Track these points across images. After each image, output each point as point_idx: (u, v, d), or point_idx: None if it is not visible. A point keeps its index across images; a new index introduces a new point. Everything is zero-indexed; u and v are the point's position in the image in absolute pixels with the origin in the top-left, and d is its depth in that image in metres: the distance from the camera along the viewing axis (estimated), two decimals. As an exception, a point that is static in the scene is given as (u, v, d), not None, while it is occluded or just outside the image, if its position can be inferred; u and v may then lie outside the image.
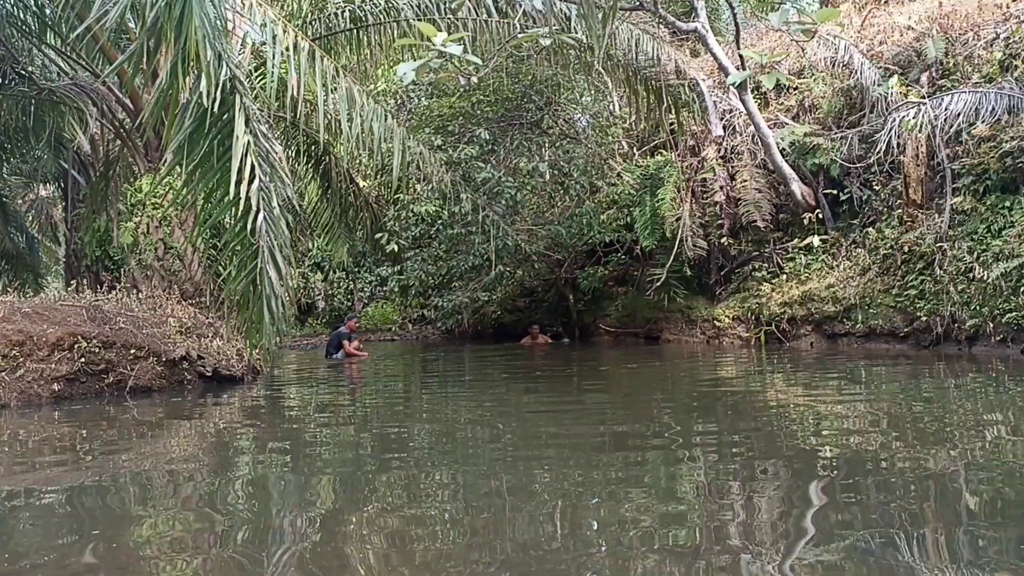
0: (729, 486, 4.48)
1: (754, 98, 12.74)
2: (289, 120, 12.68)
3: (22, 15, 11.80)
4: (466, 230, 14.92)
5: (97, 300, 9.62)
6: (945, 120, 10.59)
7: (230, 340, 10.06)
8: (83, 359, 8.33)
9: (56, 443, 6.25)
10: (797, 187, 12.88)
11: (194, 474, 5.14)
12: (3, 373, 7.93)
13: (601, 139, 15.64)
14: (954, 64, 11.68)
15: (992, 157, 10.50)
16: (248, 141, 6.54)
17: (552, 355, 13.93)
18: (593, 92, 15.33)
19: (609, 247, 16.27)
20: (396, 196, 15.72)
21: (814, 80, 13.46)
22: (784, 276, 13.24)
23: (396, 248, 14.45)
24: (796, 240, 13.21)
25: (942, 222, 10.97)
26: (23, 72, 12.56)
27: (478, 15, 10.52)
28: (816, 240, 12.62)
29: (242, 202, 6.48)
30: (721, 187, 13.70)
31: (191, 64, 6.31)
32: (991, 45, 11.38)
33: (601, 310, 16.79)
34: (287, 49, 7.51)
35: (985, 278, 10.28)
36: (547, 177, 15.31)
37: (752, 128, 12.88)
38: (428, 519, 3.98)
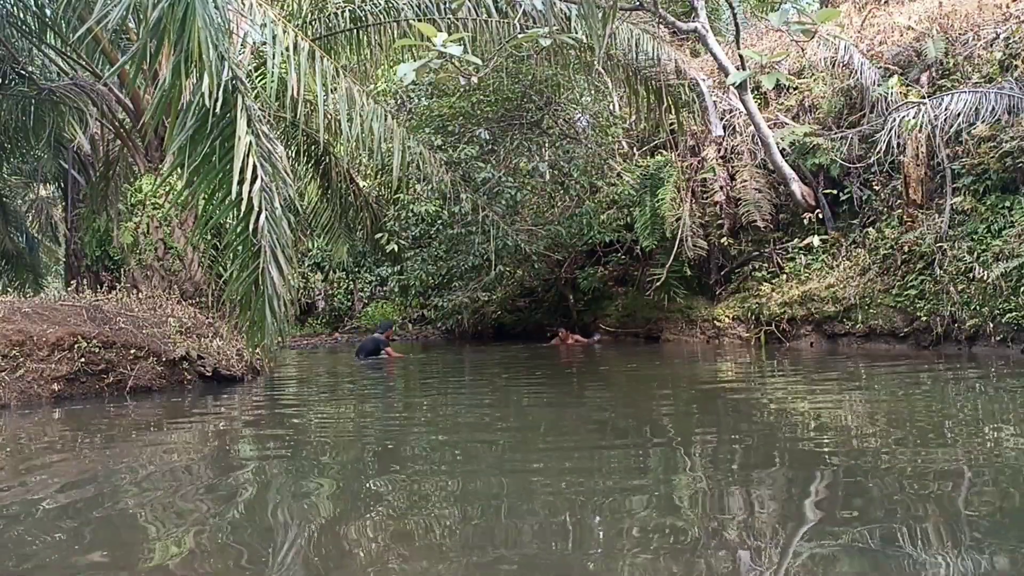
0: (729, 486, 4.48)
1: (754, 98, 12.75)
2: (289, 120, 12.68)
3: (22, 15, 11.81)
4: (466, 230, 14.93)
5: (97, 300, 9.62)
6: (945, 120, 10.60)
7: (230, 340, 10.07)
8: (83, 359, 8.33)
9: (56, 443, 6.25)
10: (797, 187, 12.89)
11: (195, 474, 5.14)
12: (3, 373, 7.93)
13: (601, 139, 15.65)
14: (954, 64, 11.69)
15: (992, 157, 10.51)
16: (250, 142, 6.55)
17: (552, 355, 13.93)
18: (593, 92, 15.34)
19: (609, 247, 16.28)
20: (396, 196, 15.72)
21: (814, 80, 13.48)
22: (784, 276, 13.25)
23: (396, 248, 14.46)
24: (796, 240, 13.22)
25: (942, 222, 10.98)
26: (23, 72, 12.57)
27: (478, 15, 10.53)
28: (816, 240, 12.64)
29: (244, 203, 6.48)
30: (721, 187, 13.71)
31: (193, 64, 6.31)
32: (991, 45, 11.39)
33: (601, 310, 16.80)
34: (287, 49, 7.52)
35: (985, 278, 10.29)
36: (547, 177, 15.32)
37: (752, 128, 12.89)
38: (428, 516, 3.99)
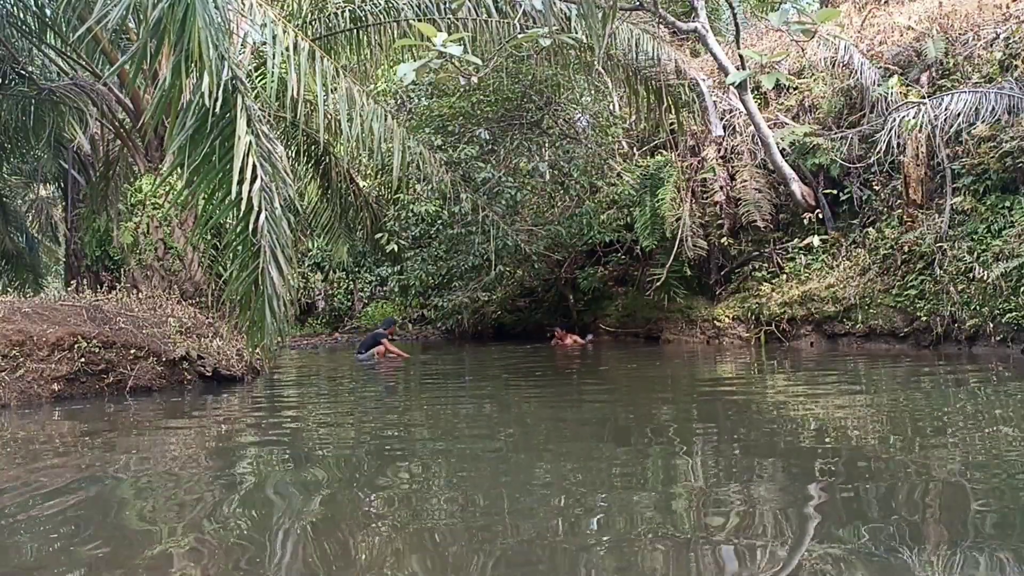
0: (729, 486, 4.48)
1: (754, 98, 12.75)
2: (289, 120, 12.68)
3: (22, 15, 11.81)
4: (466, 230, 14.92)
5: (97, 300, 9.62)
6: (945, 120, 10.61)
7: (230, 340, 10.07)
8: (83, 359, 8.33)
9: (56, 443, 6.25)
10: (797, 187, 12.89)
11: (194, 474, 5.13)
12: (3, 373, 7.93)
13: (601, 139, 15.65)
14: (954, 64, 11.69)
15: (992, 157, 10.51)
16: (250, 141, 6.54)
17: (552, 355, 13.93)
18: (593, 92, 15.34)
19: (609, 247, 16.28)
20: (396, 196, 15.72)
21: (814, 80, 13.48)
22: (784, 276, 13.25)
23: (396, 248, 14.46)
24: (796, 240, 13.22)
25: (942, 222, 10.98)
26: (23, 72, 12.58)
27: (478, 15, 10.52)
28: (816, 240, 12.64)
29: (244, 202, 6.48)
30: (721, 187, 13.71)
31: (193, 64, 6.31)
32: (991, 45, 11.39)
33: (601, 310, 16.80)
34: (287, 49, 7.52)
35: (985, 278, 10.29)
36: (547, 177, 15.31)
37: (752, 128, 12.89)
38: (429, 517, 3.99)
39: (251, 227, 6.64)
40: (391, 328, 14.60)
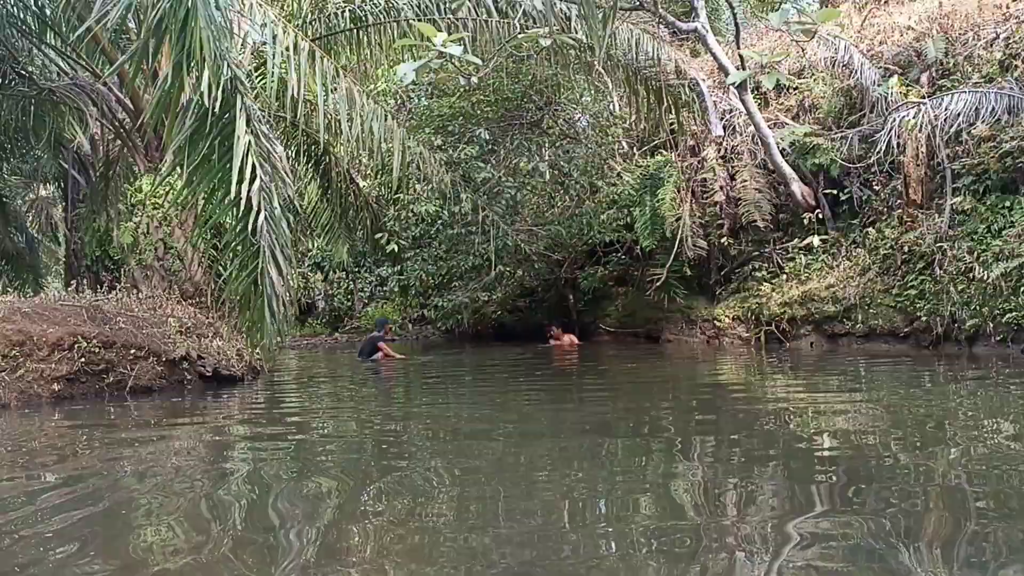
0: (729, 486, 4.48)
1: (754, 98, 12.75)
2: (289, 120, 12.67)
3: (22, 15, 11.80)
4: (466, 230, 14.93)
5: (97, 300, 9.61)
6: (945, 120, 10.61)
7: (230, 340, 10.06)
8: (83, 359, 8.32)
9: (56, 444, 6.25)
10: (797, 187, 12.89)
11: (194, 475, 5.13)
12: (3, 373, 7.92)
13: (601, 139, 15.65)
14: (954, 64, 11.69)
15: (992, 157, 10.52)
16: (249, 141, 6.55)
17: (552, 355, 13.92)
18: (593, 92, 15.34)
19: (609, 247, 16.27)
20: (396, 196, 15.71)
21: (814, 80, 13.48)
22: (784, 276, 13.25)
23: (396, 248, 14.45)
24: (796, 240, 13.22)
25: (942, 222, 10.98)
26: (23, 72, 12.55)
27: (478, 15, 10.53)
28: (816, 240, 12.64)
29: (243, 202, 6.49)
30: (721, 187, 13.71)
31: (194, 64, 6.31)
32: (991, 45, 11.39)
33: (601, 310, 16.80)
34: (287, 49, 7.52)
35: (985, 278, 10.29)
36: (547, 177, 15.32)
37: (752, 128, 12.89)
38: (429, 518, 3.99)
39: (251, 227, 6.64)
40: (385, 328, 14.56)
